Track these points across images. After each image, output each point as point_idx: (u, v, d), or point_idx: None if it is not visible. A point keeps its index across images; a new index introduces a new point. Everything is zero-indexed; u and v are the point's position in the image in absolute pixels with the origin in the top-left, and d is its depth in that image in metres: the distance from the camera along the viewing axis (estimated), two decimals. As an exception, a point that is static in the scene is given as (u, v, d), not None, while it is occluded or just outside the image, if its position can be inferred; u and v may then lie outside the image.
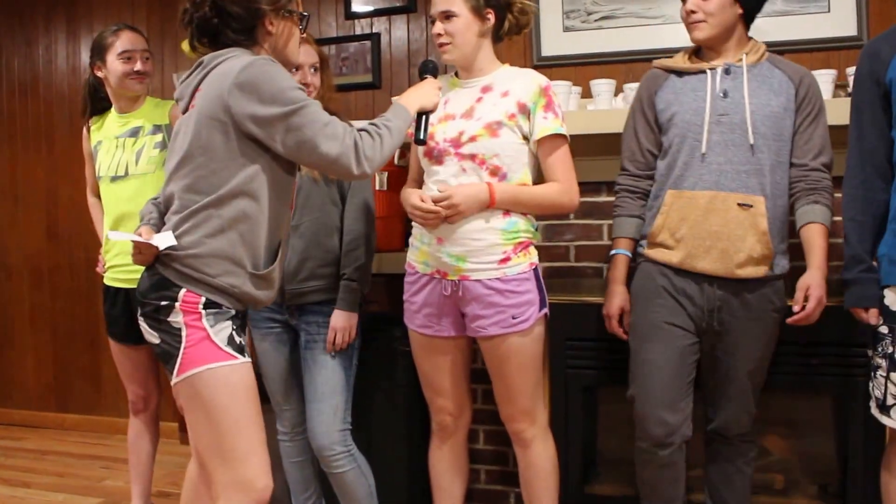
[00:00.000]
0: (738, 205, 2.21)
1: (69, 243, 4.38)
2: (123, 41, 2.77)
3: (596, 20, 2.96)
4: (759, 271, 2.23)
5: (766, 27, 2.81)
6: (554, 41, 3.00)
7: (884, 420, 2.09)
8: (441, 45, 2.27)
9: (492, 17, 2.28)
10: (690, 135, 2.26)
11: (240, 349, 1.90)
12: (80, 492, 3.48)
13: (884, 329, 2.07)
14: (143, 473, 2.98)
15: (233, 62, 1.85)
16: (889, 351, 2.05)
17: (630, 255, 2.41)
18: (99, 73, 2.82)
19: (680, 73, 2.34)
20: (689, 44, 2.34)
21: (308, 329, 2.52)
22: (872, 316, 2.09)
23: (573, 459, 2.80)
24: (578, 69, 2.95)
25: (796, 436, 2.88)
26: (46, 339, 4.48)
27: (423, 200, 2.24)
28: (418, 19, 3.45)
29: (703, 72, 2.29)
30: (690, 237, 2.25)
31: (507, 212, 2.28)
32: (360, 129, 1.90)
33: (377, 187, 2.90)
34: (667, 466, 2.33)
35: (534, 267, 2.33)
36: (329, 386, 2.50)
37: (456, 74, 2.39)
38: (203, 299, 1.87)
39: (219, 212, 1.86)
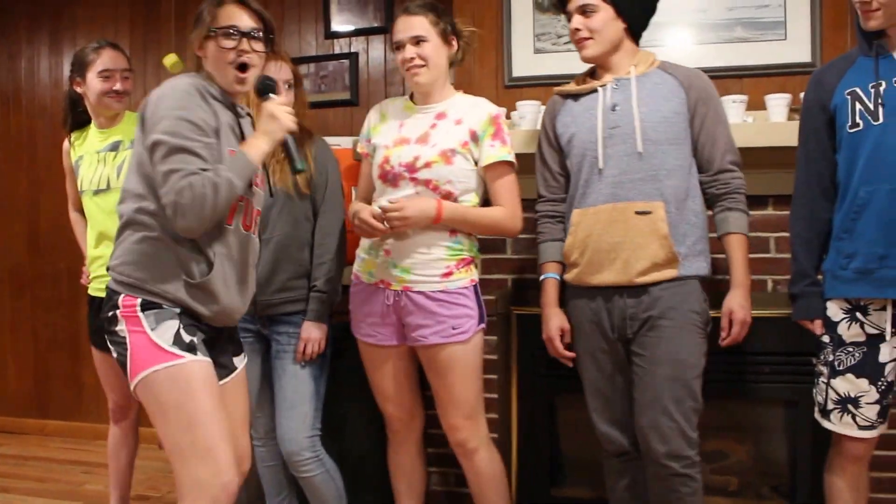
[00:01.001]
0: (637, 213, 2.21)
1: (51, 254, 4.41)
2: (104, 59, 2.79)
3: (565, 43, 3.03)
4: (666, 275, 2.20)
5: (726, 53, 2.94)
6: (525, 62, 3.08)
7: (825, 424, 2.20)
8: (414, 67, 2.34)
9: (455, 43, 2.38)
10: (589, 153, 2.27)
11: (189, 347, 1.89)
12: (60, 496, 3.50)
13: (826, 338, 2.18)
14: (123, 479, 3.01)
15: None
16: (829, 359, 2.17)
17: (559, 277, 2.41)
18: (78, 89, 2.85)
19: (575, 96, 2.36)
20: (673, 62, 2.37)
21: (279, 339, 2.57)
22: (817, 327, 2.20)
23: (539, 463, 2.87)
24: (548, 90, 2.94)
25: (750, 440, 2.98)
26: (28, 346, 4.51)
27: (368, 221, 2.30)
28: (395, 40, 3.54)
29: (596, 90, 2.31)
30: (594, 251, 2.25)
31: (452, 231, 2.36)
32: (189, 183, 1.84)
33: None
34: (622, 474, 2.40)
35: (474, 283, 2.41)
36: (298, 394, 2.54)
37: (411, 98, 2.46)
38: (139, 300, 1.89)
39: (144, 219, 1.91)
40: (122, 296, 1.91)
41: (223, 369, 2.07)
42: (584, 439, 2.85)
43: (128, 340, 1.89)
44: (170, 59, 3.39)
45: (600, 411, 2.36)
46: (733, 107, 2.75)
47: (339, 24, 3.62)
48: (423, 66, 2.34)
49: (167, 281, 1.91)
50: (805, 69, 2.81)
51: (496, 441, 2.63)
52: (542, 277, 2.43)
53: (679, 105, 2.25)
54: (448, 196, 2.35)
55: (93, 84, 2.80)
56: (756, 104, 2.84)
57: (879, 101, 2.06)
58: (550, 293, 2.41)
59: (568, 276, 2.35)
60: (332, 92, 3.61)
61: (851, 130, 2.10)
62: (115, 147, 2.86)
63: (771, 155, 2.66)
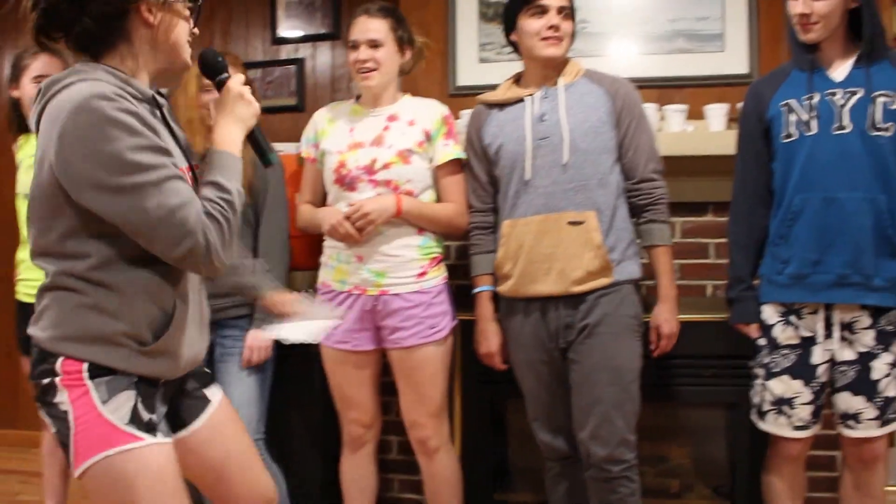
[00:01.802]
0: (569, 223, 2.22)
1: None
2: (39, 65, 2.73)
3: (510, 52, 3.06)
4: (601, 283, 2.22)
5: (668, 64, 3.00)
6: (469, 71, 3.10)
7: (760, 425, 2.26)
8: (366, 70, 2.35)
9: (409, 53, 2.40)
10: (518, 164, 2.27)
11: (148, 427, 1.49)
12: (-6, 507, 3.39)
13: (762, 341, 2.24)
14: (58, 488, 2.92)
15: (69, 93, 1.37)
16: (765, 361, 2.22)
17: (493, 289, 2.41)
18: (14, 94, 2.79)
19: (501, 105, 2.36)
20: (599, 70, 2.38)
21: (223, 343, 2.54)
22: (753, 330, 2.26)
23: (482, 468, 2.88)
24: None
25: (692, 443, 3.03)
26: (-39, 353, 4.37)
27: (342, 224, 2.32)
28: (342, 46, 3.53)
29: (522, 100, 2.31)
30: (527, 262, 2.25)
31: (420, 230, 2.38)
32: (206, 213, 1.45)
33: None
34: (562, 477, 2.42)
35: (446, 281, 2.45)
36: (243, 398, 2.51)
37: (357, 100, 2.46)
38: (85, 365, 1.46)
39: (76, 283, 1.46)
40: (62, 359, 1.47)
41: (198, 403, 1.74)
42: (527, 444, 2.87)
43: (71, 416, 1.46)
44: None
45: (541, 420, 2.37)
46: (674, 116, 2.81)
47: (287, 29, 3.61)
48: (374, 70, 2.36)
49: (112, 355, 1.49)
50: (743, 80, 2.88)
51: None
52: (475, 291, 2.44)
53: (605, 114, 2.27)
54: (409, 195, 2.37)
55: (27, 89, 2.74)
56: (696, 114, 2.90)
57: (812, 113, 2.13)
58: (487, 307, 2.41)
59: (502, 289, 2.35)
60: (278, 98, 3.59)
61: (786, 141, 2.17)
62: None
63: (710, 163, 2.71)
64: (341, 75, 3.52)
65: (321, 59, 3.57)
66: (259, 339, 2.48)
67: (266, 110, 3.39)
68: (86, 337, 1.47)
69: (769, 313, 2.23)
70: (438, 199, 2.46)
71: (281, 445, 2.77)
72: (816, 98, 2.13)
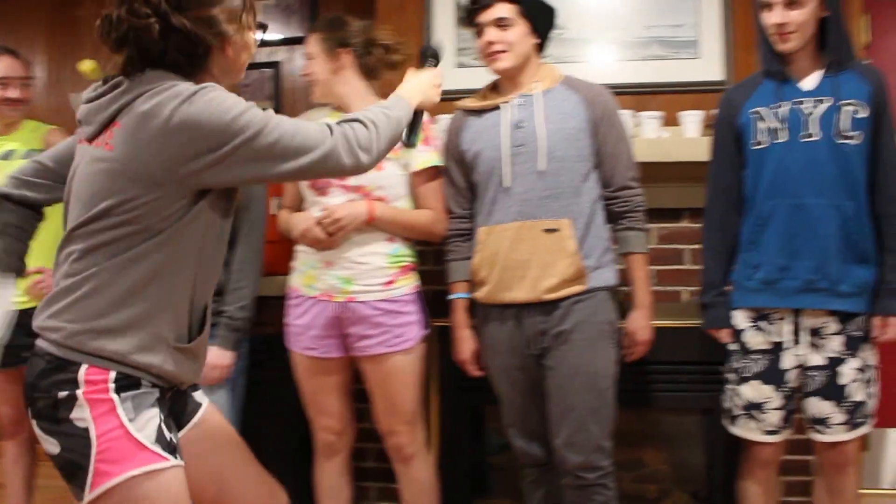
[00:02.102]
0: (544, 231, 2.23)
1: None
2: (2, 67, 2.74)
3: None
4: (575, 290, 2.23)
5: (643, 70, 3.02)
6: (447, 76, 3.09)
7: (732, 430, 2.29)
8: (310, 84, 2.45)
9: (346, 56, 2.40)
10: (495, 170, 2.28)
11: (171, 448, 1.47)
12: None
13: (733, 346, 2.27)
14: (22, 500, 2.88)
15: (162, 96, 1.43)
16: (736, 366, 2.26)
17: (468, 296, 2.42)
18: None
19: (478, 112, 2.37)
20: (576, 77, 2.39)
21: None
22: (725, 335, 2.29)
23: (460, 474, 2.89)
24: None
25: (669, 448, 3.06)
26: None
27: (312, 230, 2.33)
28: (319, 50, 3.54)
29: (499, 107, 2.32)
30: (503, 269, 2.26)
31: (391, 238, 2.39)
32: (349, 120, 1.57)
33: (272, 211, 2.95)
34: (539, 483, 2.43)
35: (417, 290, 2.44)
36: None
37: (337, 108, 2.48)
38: (112, 374, 1.43)
39: (128, 272, 1.45)
40: (85, 367, 1.42)
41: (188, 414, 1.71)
42: (506, 449, 2.88)
43: (92, 433, 1.40)
44: (87, 66, 3.31)
45: (516, 426, 2.38)
46: (649, 122, 2.83)
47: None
48: (310, 77, 2.44)
49: (152, 348, 1.47)
50: (717, 87, 2.91)
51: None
52: (451, 297, 2.46)
53: (582, 122, 2.27)
54: (380, 201, 2.38)
55: None
56: (671, 120, 2.93)
57: (781, 121, 2.17)
58: (462, 314, 2.43)
59: (478, 295, 2.36)
60: (254, 101, 3.55)
61: (756, 148, 2.22)
62: (6, 156, 2.79)
63: (685, 169, 2.74)
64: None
65: (298, 62, 3.57)
66: (218, 357, 2.38)
67: (242, 114, 3.48)
68: (126, 328, 1.45)
69: (740, 318, 2.26)
70: (416, 206, 2.46)
71: (254, 454, 2.75)
72: (785, 106, 2.18)
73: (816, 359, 2.18)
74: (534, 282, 2.23)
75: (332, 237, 2.32)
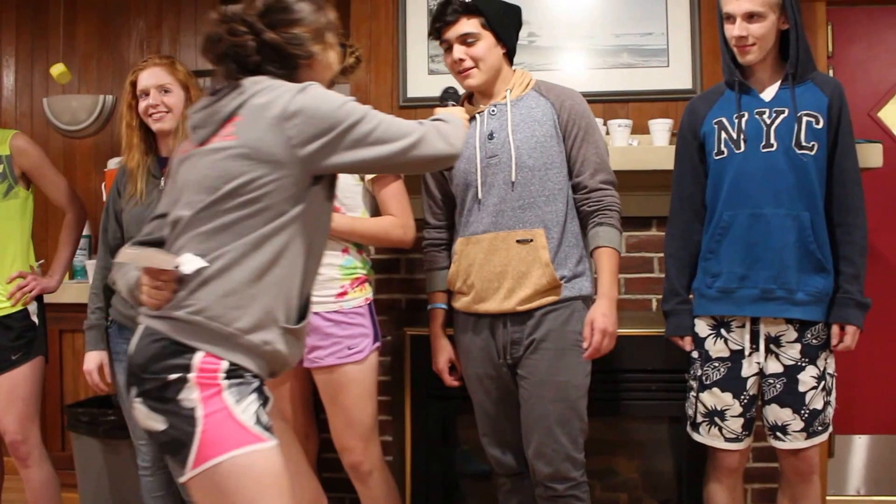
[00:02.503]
0: (517, 241, 2.23)
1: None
2: None
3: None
4: (548, 299, 2.23)
5: (613, 78, 3.07)
6: (419, 83, 3.15)
7: (695, 436, 2.34)
8: None
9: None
10: (469, 182, 2.30)
11: (268, 429, 1.58)
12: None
13: (695, 354, 2.32)
14: None
15: (278, 90, 1.61)
16: (698, 373, 2.30)
17: (446, 307, 2.44)
18: None
19: None
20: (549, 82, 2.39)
21: None
22: (687, 343, 2.34)
23: (433, 484, 2.92)
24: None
25: (639, 456, 3.09)
26: None
27: None
28: (291, 57, 3.56)
29: (473, 118, 2.31)
30: (478, 280, 2.27)
31: (345, 249, 2.40)
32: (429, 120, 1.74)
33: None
34: (512, 493, 2.44)
35: (369, 302, 2.45)
36: None
37: None
38: (224, 365, 1.55)
39: (255, 253, 1.59)
40: (202, 354, 1.55)
41: None
42: (480, 459, 2.89)
43: (198, 413, 1.52)
44: (57, 69, 3.31)
45: (490, 434, 2.40)
46: (619, 131, 2.88)
47: (236, 38, 3.60)
48: None
49: (267, 329, 1.61)
50: (686, 95, 2.95)
51: (390, 463, 2.64)
52: (429, 307, 2.49)
53: (551, 127, 2.27)
54: (336, 210, 2.38)
55: None
56: (640, 128, 2.97)
57: (741, 131, 2.22)
58: (437, 324, 2.46)
59: (456, 304, 2.38)
60: (226, 108, 3.59)
61: (717, 157, 2.27)
62: None
63: (654, 177, 2.78)
64: (290, 85, 3.53)
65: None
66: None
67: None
68: (249, 307, 1.58)
69: (701, 326, 2.31)
70: (379, 213, 2.48)
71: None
72: (746, 117, 2.23)
73: (774, 366, 2.23)
74: (508, 293, 2.24)
75: None
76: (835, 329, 2.21)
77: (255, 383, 1.60)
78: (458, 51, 2.27)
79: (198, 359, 1.54)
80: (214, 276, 1.57)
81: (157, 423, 1.54)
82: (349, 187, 2.40)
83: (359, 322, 2.40)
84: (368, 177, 2.43)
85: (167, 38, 3.68)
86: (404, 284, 3.02)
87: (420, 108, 3.12)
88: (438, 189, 2.43)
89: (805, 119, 2.18)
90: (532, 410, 2.25)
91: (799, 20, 2.18)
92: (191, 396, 1.52)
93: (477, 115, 2.32)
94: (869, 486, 3.44)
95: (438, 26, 2.30)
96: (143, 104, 2.50)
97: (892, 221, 3.44)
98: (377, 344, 2.45)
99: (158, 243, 1.73)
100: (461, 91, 2.34)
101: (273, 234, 1.60)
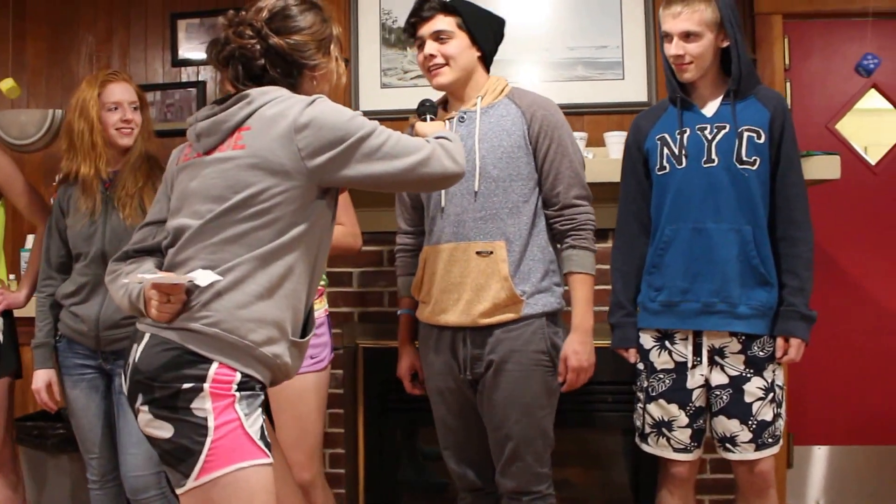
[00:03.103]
0: (477, 253, 2.20)
1: None
2: None
3: (411, 78, 3.18)
4: (507, 316, 2.20)
5: (568, 91, 3.12)
6: (371, 96, 3.19)
7: (644, 447, 2.39)
8: None
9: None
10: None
11: (269, 446, 1.62)
12: None
13: (640, 366, 2.37)
14: None
15: (288, 102, 1.65)
16: (644, 385, 2.35)
17: (412, 313, 2.43)
18: None
19: None
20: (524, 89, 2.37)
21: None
22: (631, 355, 2.39)
23: (387, 496, 2.96)
24: (394, 123, 2.96)
25: (597, 467, 3.12)
26: None
27: None
28: (245, 69, 3.57)
29: (444, 122, 2.30)
30: (438, 291, 2.26)
31: None
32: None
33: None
34: None
35: (327, 313, 2.49)
36: None
37: None
38: (238, 376, 1.58)
39: (268, 267, 1.63)
40: (216, 364, 1.57)
41: None
42: (435, 470, 2.91)
43: (210, 423, 1.54)
44: (6, 84, 3.29)
45: (451, 449, 2.38)
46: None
47: (187, 51, 3.63)
48: None
49: (277, 343, 1.65)
50: (641, 108, 2.99)
51: (343, 476, 2.65)
52: (398, 312, 2.50)
53: (520, 138, 2.24)
54: None
55: None
56: (596, 141, 3.01)
57: (683, 147, 2.28)
58: (403, 330, 2.47)
59: (419, 314, 2.37)
60: (178, 121, 3.60)
61: (660, 173, 2.32)
62: None
63: (611, 190, 2.80)
64: (243, 99, 3.54)
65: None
66: None
67: (166, 133, 3.48)
68: (262, 319, 1.61)
69: (646, 339, 2.36)
70: None
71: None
72: (688, 133, 2.29)
73: (720, 378, 2.27)
74: (467, 305, 2.21)
75: None
76: (779, 342, 2.25)
77: (262, 396, 1.63)
78: (430, 47, 2.24)
79: (213, 369, 1.56)
80: (228, 288, 1.60)
81: (163, 431, 1.55)
82: None
83: (321, 332, 2.44)
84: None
85: (117, 53, 3.69)
86: (356, 297, 3.04)
87: (372, 121, 3.13)
88: (409, 194, 2.44)
89: (746, 134, 2.23)
90: (497, 431, 2.24)
91: (739, 37, 2.24)
92: (204, 406, 1.54)
93: (447, 122, 2.30)
94: (828, 496, 3.50)
95: (414, 21, 2.29)
96: (114, 117, 2.51)
97: (850, 233, 3.51)
98: (332, 354, 2.50)
99: (152, 251, 1.77)
100: (438, 103, 2.31)
101: (284, 248, 1.64)
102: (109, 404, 2.59)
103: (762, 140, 2.23)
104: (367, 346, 2.91)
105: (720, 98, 2.29)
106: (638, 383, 2.38)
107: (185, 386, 1.54)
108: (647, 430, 2.34)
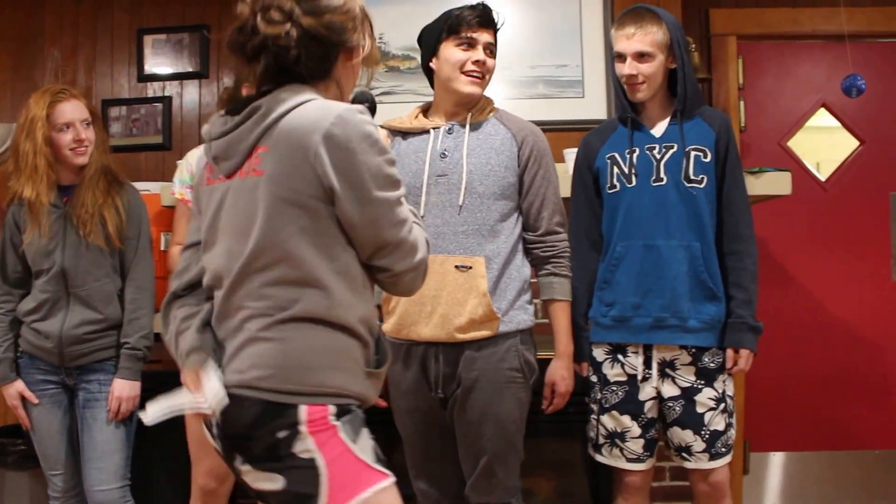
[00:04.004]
0: (456, 267, 2.20)
1: None
2: None
3: (377, 95, 3.22)
4: (483, 333, 2.20)
5: (529, 108, 3.18)
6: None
7: (597, 457, 2.45)
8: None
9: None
10: (412, 197, 2.25)
11: (385, 464, 1.50)
12: None
13: (594, 378, 2.44)
14: None
15: (310, 111, 1.45)
16: (598, 397, 2.42)
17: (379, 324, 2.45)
18: None
19: (405, 133, 2.36)
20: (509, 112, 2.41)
21: (88, 387, 2.55)
22: (583, 368, 2.46)
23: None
24: None
25: (558, 476, 3.19)
26: None
27: None
28: (210, 84, 3.64)
29: (427, 132, 2.32)
30: (410, 302, 2.22)
31: None
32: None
33: (162, 247, 3.01)
34: None
35: None
36: (109, 445, 2.54)
37: None
38: (332, 409, 1.44)
39: (327, 302, 1.45)
40: (304, 408, 1.42)
41: None
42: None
43: (321, 462, 1.42)
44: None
45: (419, 467, 2.38)
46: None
47: (154, 66, 3.66)
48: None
49: (358, 377, 1.51)
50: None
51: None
52: None
53: (509, 159, 2.26)
54: None
55: None
56: (556, 157, 3.04)
57: (633, 166, 2.36)
58: None
59: (385, 327, 2.31)
60: (144, 136, 3.62)
61: (610, 191, 2.40)
62: None
63: (570, 206, 2.89)
64: (209, 114, 3.59)
65: (188, 97, 3.64)
66: (127, 388, 2.52)
67: (131, 148, 3.52)
68: (336, 360, 1.47)
69: (598, 352, 2.43)
70: None
71: (146, 492, 2.78)
72: (637, 152, 2.37)
73: (671, 389, 2.34)
74: (443, 319, 2.20)
75: None
76: (729, 353, 2.33)
77: (361, 414, 1.49)
78: (482, 54, 2.26)
79: (303, 412, 1.43)
80: (291, 338, 1.47)
81: (275, 484, 1.44)
82: None
83: None
84: None
85: (83, 68, 3.70)
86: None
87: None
88: None
89: (693, 153, 2.32)
90: (470, 447, 2.25)
91: (686, 59, 2.33)
92: (308, 447, 1.42)
93: (431, 131, 2.31)
94: (784, 501, 3.61)
95: (478, 24, 2.26)
96: (66, 137, 2.50)
97: (801, 246, 3.64)
98: None
99: (198, 284, 1.61)
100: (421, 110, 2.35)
101: (332, 280, 1.48)
102: (72, 419, 2.59)
103: (708, 159, 2.31)
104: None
105: (668, 118, 2.37)
106: (591, 395, 2.44)
107: (281, 434, 1.42)
108: (601, 440, 2.41)
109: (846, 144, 3.68)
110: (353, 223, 1.46)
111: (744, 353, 2.32)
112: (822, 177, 3.68)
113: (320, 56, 1.51)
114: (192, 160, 2.58)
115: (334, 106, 1.45)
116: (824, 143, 3.81)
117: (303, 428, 1.41)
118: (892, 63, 3.63)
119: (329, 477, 1.41)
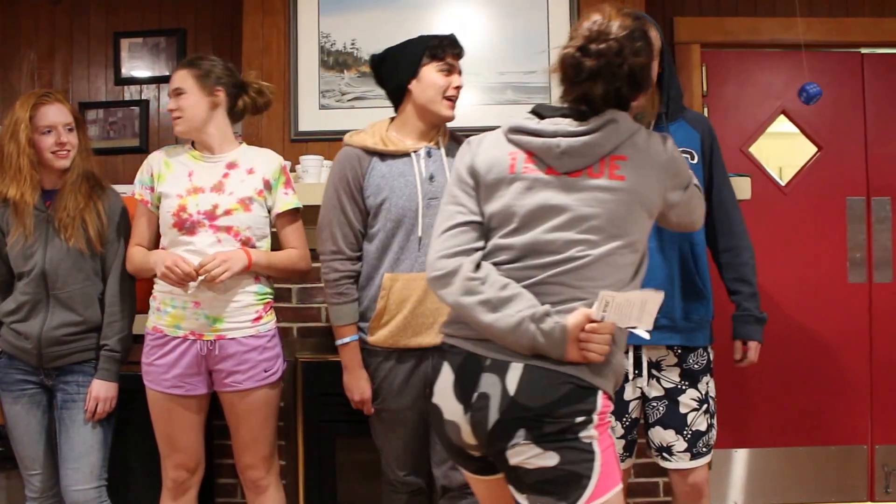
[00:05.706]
0: None
1: None
2: None
3: (349, 100, 3.33)
4: None
5: (498, 114, 3.26)
6: (310, 118, 3.32)
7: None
8: (175, 118, 2.49)
9: (221, 94, 2.50)
10: (406, 220, 2.35)
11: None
12: None
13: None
14: None
15: (655, 136, 1.73)
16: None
17: (357, 338, 2.45)
18: None
19: (382, 155, 2.41)
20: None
21: (66, 388, 2.58)
22: None
23: (324, 500, 3.07)
24: (332, 144, 3.14)
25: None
26: None
27: (178, 264, 2.35)
28: (188, 89, 3.68)
29: (408, 154, 2.40)
30: (413, 317, 2.35)
31: (257, 277, 2.52)
32: None
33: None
34: None
35: (276, 325, 2.59)
36: (87, 445, 2.57)
37: (193, 146, 2.56)
38: (610, 404, 1.63)
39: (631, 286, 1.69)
40: (601, 393, 1.60)
41: None
42: (367, 480, 3.04)
43: (596, 449, 1.56)
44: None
45: (402, 459, 2.48)
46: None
47: (130, 70, 3.70)
48: (179, 117, 2.49)
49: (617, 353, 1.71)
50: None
51: (285, 486, 2.76)
52: (346, 340, 2.45)
53: None
54: (247, 242, 2.49)
55: None
56: (524, 162, 3.17)
57: None
58: (356, 356, 2.46)
59: (375, 339, 2.41)
60: (121, 139, 3.66)
61: None
62: None
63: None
64: (185, 118, 3.65)
65: (166, 100, 3.67)
66: (104, 389, 2.56)
67: (108, 151, 3.58)
68: (611, 363, 1.64)
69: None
70: (281, 245, 2.60)
71: (122, 491, 2.83)
72: None
73: (656, 390, 2.36)
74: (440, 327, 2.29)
75: (214, 280, 2.38)
76: (737, 345, 2.38)
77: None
78: (458, 80, 2.42)
79: (600, 400, 1.59)
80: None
81: (548, 460, 1.54)
82: (260, 218, 2.51)
83: (273, 345, 2.54)
84: (276, 211, 2.53)
85: (59, 71, 3.72)
86: (295, 313, 3.16)
87: (310, 141, 3.29)
88: (358, 221, 2.43)
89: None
90: None
91: (671, 65, 2.36)
92: (590, 434, 1.56)
93: (413, 154, 2.40)
94: (746, 496, 3.70)
95: (456, 52, 2.43)
96: (49, 140, 2.52)
97: (762, 248, 3.67)
98: (284, 365, 2.59)
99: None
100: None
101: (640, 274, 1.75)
102: (50, 420, 2.61)
103: (696, 161, 2.34)
104: (306, 360, 3.03)
105: (652, 122, 2.37)
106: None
107: (578, 420, 1.54)
108: None
109: (805, 150, 3.77)
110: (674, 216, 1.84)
111: (752, 344, 2.38)
112: (783, 181, 3.77)
113: (630, 95, 1.71)
114: (153, 162, 2.59)
115: (656, 133, 1.76)
116: (785, 149, 3.92)
117: (595, 417, 1.56)
118: (847, 72, 3.73)
119: (602, 462, 1.54)
